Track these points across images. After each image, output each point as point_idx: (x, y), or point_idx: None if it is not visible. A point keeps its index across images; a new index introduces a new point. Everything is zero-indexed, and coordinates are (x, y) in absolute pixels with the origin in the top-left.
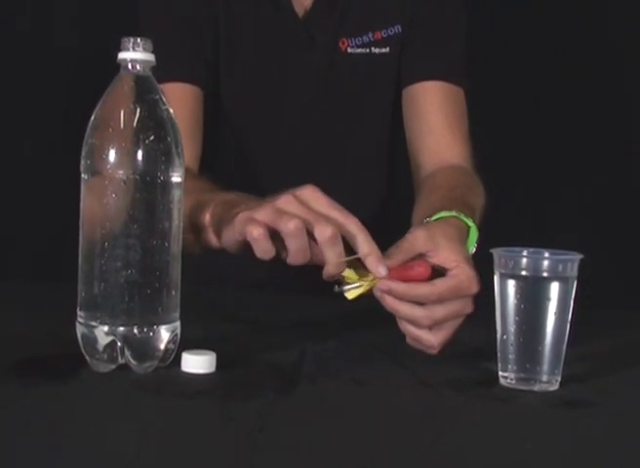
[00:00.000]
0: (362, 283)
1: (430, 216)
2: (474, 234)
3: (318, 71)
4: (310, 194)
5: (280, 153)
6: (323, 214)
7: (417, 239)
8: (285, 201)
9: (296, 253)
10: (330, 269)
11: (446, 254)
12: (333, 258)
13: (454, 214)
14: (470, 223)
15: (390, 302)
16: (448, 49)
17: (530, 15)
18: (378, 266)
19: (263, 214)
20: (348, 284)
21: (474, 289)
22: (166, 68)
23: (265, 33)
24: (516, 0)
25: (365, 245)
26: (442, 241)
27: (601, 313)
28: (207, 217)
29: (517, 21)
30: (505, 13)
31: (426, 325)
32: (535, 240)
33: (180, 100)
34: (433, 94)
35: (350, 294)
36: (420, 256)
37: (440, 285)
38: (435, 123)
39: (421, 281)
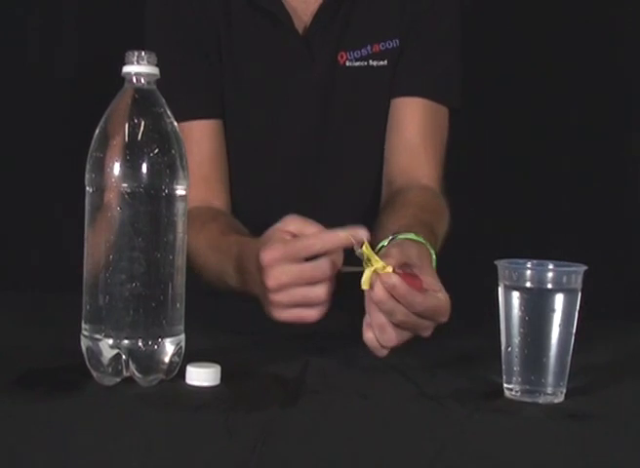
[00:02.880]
0: (365, 267)
1: (399, 232)
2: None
3: (318, 85)
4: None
5: (279, 167)
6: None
7: (410, 252)
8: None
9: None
10: None
11: (431, 279)
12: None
13: (422, 241)
14: (434, 256)
15: (382, 293)
16: (437, 66)
17: (530, 21)
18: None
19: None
20: (361, 256)
21: (445, 318)
22: (181, 107)
23: (266, 50)
24: (515, 4)
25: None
26: (428, 266)
27: (601, 323)
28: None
29: (517, 25)
30: (504, 16)
31: (398, 320)
32: (534, 250)
33: (200, 140)
34: (414, 110)
35: (364, 285)
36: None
37: (429, 300)
38: (411, 140)
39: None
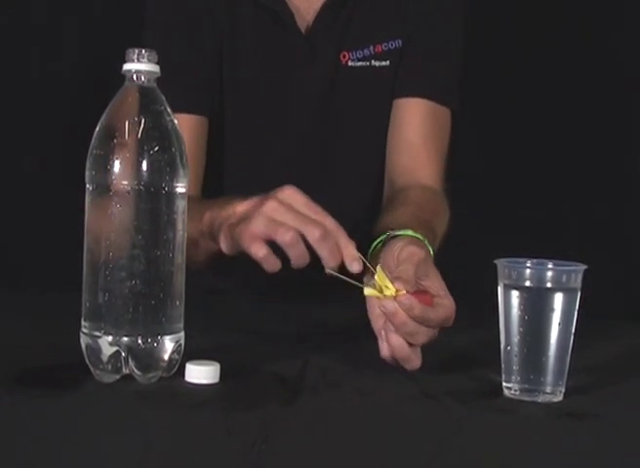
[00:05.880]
0: (383, 293)
1: (394, 230)
2: None
3: (320, 85)
4: (291, 196)
5: (281, 167)
6: (308, 217)
7: (416, 263)
8: (272, 208)
9: (296, 258)
10: (329, 264)
11: (437, 284)
12: (326, 255)
13: (420, 237)
14: (432, 253)
15: (402, 316)
16: (439, 67)
17: (529, 21)
18: (352, 264)
19: (259, 226)
20: (374, 286)
21: (451, 323)
22: (169, 99)
23: (269, 49)
24: (517, 6)
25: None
26: (431, 269)
27: (601, 322)
28: (202, 225)
29: (517, 25)
30: (504, 16)
31: (422, 342)
32: (534, 249)
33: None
34: (416, 111)
35: (367, 292)
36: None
37: (441, 313)
38: (413, 140)
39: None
